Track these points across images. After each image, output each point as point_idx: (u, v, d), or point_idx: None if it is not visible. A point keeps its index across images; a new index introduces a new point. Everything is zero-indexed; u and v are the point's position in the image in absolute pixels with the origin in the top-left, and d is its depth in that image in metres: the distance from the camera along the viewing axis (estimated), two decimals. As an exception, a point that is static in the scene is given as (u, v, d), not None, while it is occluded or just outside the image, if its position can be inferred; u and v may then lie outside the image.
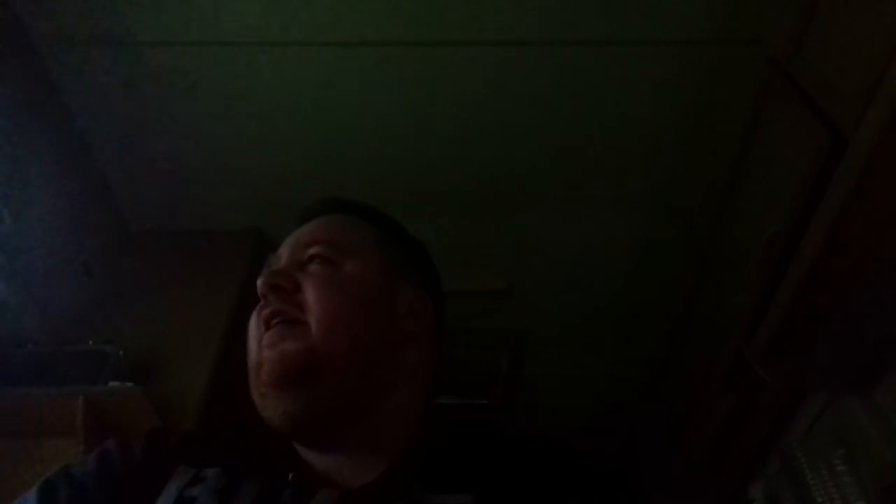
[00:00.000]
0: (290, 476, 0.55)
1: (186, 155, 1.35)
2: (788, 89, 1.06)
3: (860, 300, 1.00)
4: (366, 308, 0.58)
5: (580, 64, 1.21)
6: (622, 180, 1.40)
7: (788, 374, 1.14)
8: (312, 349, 0.54)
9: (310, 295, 0.56)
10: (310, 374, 0.54)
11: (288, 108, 1.28)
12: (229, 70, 1.21)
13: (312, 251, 0.59)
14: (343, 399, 0.56)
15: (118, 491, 0.56)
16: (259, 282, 0.57)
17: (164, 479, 0.56)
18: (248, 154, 1.34)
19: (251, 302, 0.59)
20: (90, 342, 1.11)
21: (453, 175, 1.39)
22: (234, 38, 1.17)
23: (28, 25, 1.15)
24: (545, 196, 1.43)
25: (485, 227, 1.49)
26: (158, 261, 1.40)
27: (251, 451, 0.58)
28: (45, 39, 1.16)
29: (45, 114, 1.20)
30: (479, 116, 1.29)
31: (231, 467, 0.56)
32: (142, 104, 1.25)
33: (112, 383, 1.02)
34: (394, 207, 0.70)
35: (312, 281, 0.57)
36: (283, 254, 0.61)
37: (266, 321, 0.56)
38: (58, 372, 1.07)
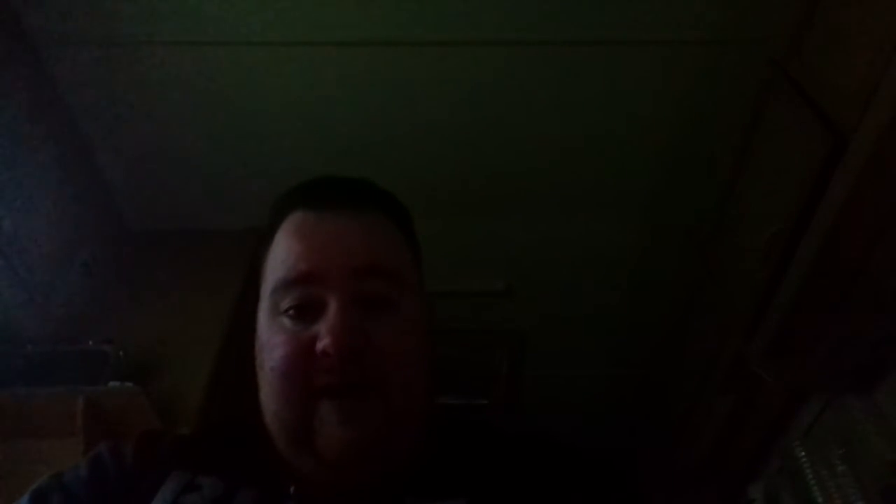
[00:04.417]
0: (292, 489, 0.54)
1: (186, 155, 1.35)
2: (788, 89, 1.07)
3: (860, 300, 1.00)
4: (426, 354, 0.56)
5: (580, 64, 1.21)
6: (622, 180, 1.40)
7: (788, 375, 1.14)
8: (395, 418, 0.52)
9: (386, 357, 0.52)
10: (391, 443, 0.52)
11: (288, 108, 1.28)
12: (229, 70, 1.21)
13: (373, 288, 0.53)
14: (406, 451, 0.55)
15: (111, 497, 0.56)
16: (328, 341, 0.49)
17: (157, 484, 0.55)
18: (248, 154, 1.34)
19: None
20: (90, 342, 1.11)
21: (453, 175, 1.39)
22: (235, 39, 1.17)
23: (28, 25, 1.14)
24: (545, 196, 1.43)
25: (485, 227, 1.49)
26: (158, 261, 1.39)
27: (248, 457, 0.57)
28: (45, 39, 1.16)
29: (45, 114, 1.20)
30: (478, 116, 1.29)
31: (227, 474, 0.55)
32: (142, 104, 1.25)
33: (112, 383, 1.02)
34: (394, 207, 0.70)
35: (385, 338, 0.52)
36: (329, 272, 0.52)
37: (342, 390, 0.50)
38: (58, 372, 1.07)
